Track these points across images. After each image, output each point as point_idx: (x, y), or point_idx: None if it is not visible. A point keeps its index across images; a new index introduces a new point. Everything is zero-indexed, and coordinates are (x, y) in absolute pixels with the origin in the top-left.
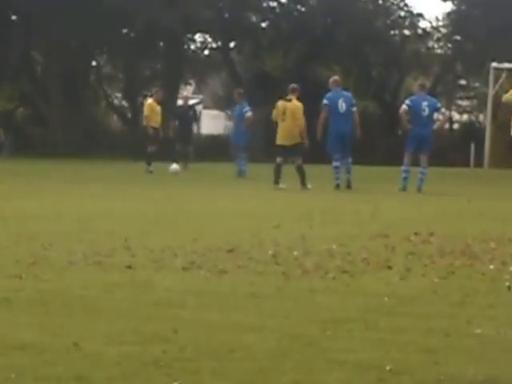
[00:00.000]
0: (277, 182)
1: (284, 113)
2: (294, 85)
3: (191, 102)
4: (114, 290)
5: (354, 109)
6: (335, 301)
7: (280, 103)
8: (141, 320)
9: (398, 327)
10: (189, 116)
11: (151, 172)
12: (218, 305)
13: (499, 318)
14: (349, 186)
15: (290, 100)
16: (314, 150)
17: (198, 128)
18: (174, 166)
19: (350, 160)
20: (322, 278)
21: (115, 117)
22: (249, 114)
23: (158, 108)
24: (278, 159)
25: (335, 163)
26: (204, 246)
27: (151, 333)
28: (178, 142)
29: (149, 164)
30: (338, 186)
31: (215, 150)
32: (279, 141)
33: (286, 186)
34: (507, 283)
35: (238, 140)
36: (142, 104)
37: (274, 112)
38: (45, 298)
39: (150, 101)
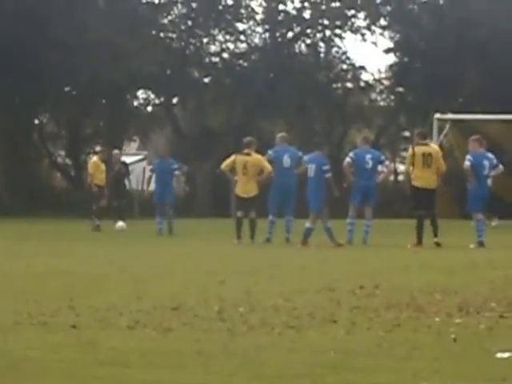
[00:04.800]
0: (239, 236)
1: (245, 167)
2: (249, 138)
3: (123, 158)
4: (59, 350)
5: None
6: (281, 357)
7: (239, 158)
8: (86, 380)
9: (344, 382)
10: (121, 172)
11: (98, 226)
12: (164, 363)
13: (446, 371)
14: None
15: (249, 154)
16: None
17: (130, 183)
18: (120, 224)
19: (290, 218)
20: (267, 334)
21: (59, 175)
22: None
23: (103, 166)
24: (239, 213)
25: (271, 217)
26: (149, 305)
27: None
28: (113, 199)
29: (94, 219)
30: (268, 239)
31: None
32: (240, 193)
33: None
34: (453, 335)
35: (166, 196)
36: (85, 161)
37: (227, 162)
38: None
39: (94, 159)
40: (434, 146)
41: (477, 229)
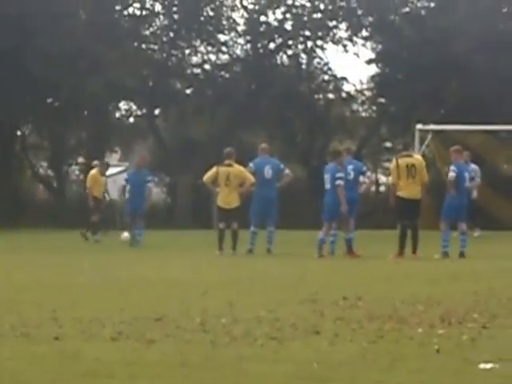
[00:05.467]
0: (221, 247)
1: (228, 178)
2: (229, 149)
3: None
4: (42, 361)
5: (287, 171)
6: (263, 368)
7: (222, 169)
8: None
9: None
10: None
11: (98, 241)
12: (147, 374)
13: (428, 382)
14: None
15: (230, 165)
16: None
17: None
18: (126, 235)
19: (272, 229)
20: (249, 346)
21: (41, 186)
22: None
23: (101, 179)
24: (221, 224)
25: (253, 228)
26: (132, 316)
27: None
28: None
29: (94, 233)
30: (250, 250)
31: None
32: (222, 204)
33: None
34: (436, 346)
35: (138, 207)
36: (67, 173)
37: (209, 174)
38: None
39: (93, 172)
40: (417, 157)
41: (443, 239)
